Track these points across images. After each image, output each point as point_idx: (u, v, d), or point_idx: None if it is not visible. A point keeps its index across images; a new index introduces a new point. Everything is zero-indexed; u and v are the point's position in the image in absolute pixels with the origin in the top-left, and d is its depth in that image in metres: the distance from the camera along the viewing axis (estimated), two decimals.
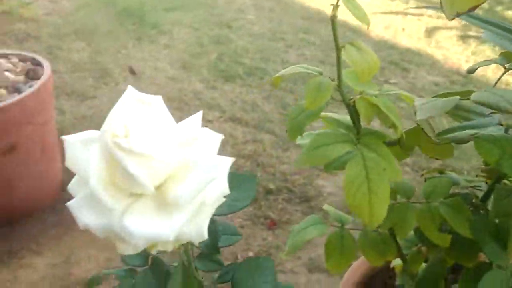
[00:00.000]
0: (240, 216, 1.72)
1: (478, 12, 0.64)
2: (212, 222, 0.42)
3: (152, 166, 0.35)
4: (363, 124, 0.60)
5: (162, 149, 0.36)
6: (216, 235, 0.42)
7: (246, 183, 0.41)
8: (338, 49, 0.54)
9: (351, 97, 0.59)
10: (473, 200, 0.66)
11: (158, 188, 0.36)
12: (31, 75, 1.74)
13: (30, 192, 1.72)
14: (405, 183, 0.67)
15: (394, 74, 2.63)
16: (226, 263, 0.60)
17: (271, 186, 1.85)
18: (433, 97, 0.55)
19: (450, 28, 3.18)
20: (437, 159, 0.70)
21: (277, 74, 0.59)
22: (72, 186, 0.38)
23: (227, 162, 0.38)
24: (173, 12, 3.52)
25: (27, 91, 1.60)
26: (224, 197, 0.38)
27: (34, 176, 1.71)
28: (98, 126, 1.75)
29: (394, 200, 0.66)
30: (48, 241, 1.67)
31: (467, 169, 1.94)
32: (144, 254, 0.45)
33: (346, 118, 0.63)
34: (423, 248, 0.74)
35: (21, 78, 1.74)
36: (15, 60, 1.86)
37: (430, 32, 3.14)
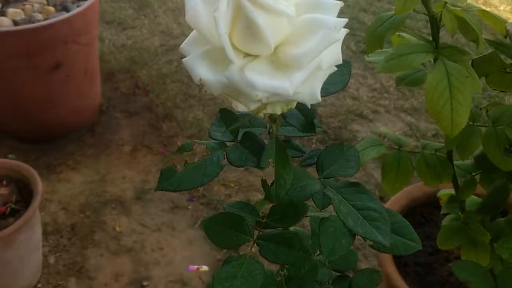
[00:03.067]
0: None
1: None
2: None
3: (277, 23, 0.35)
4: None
5: (289, 6, 0.37)
6: (313, 113, 0.43)
7: (341, 67, 0.41)
8: None
9: (434, 11, 0.59)
10: None
11: (275, 49, 0.36)
12: None
13: (71, 112, 1.75)
14: (472, 107, 0.67)
15: None
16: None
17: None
18: None
19: None
20: (501, 91, 0.70)
21: None
22: (185, 45, 0.39)
23: (344, 30, 0.38)
24: None
25: (75, 10, 1.60)
26: None
27: (76, 96, 1.74)
28: (137, 55, 1.79)
29: None
30: (86, 160, 1.72)
31: None
32: (233, 132, 0.46)
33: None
34: (477, 177, 0.75)
35: None
36: None
37: None
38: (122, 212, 1.53)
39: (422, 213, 1.01)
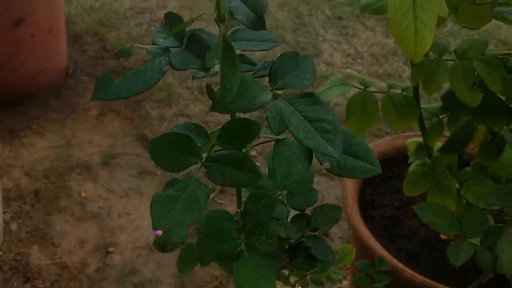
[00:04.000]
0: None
1: None
2: None
3: None
4: None
5: None
6: (264, 8, 0.39)
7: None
8: None
9: None
10: (507, 64, 0.63)
11: None
12: None
13: (36, 72, 1.69)
14: (439, 40, 0.64)
15: None
16: None
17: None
18: None
19: None
20: (471, 28, 0.67)
21: None
22: None
23: None
24: None
25: None
26: None
27: (41, 55, 1.67)
28: (104, 18, 1.72)
29: (425, 56, 0.64)
30: (51, 124, 1.66)
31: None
32: (178, 37, 0.42)
33: None
34: (444, 120, 0.73)
35: None
36: None
37: None
38: (88, 177, 1.49)
39: (390, 167, 0.99)
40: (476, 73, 0.60)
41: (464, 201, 0.71)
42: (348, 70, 0.76)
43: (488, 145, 0.69)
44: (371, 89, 0.70)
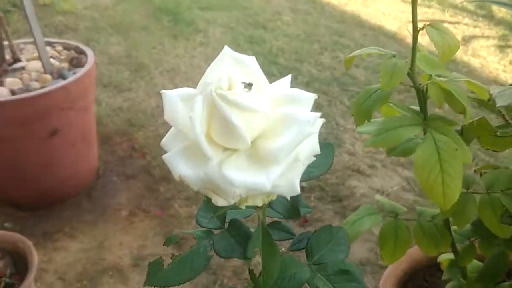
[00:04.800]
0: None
1: None
2: None
3: (252, 119, 0.36)
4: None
5: (263, 103, 0.37)
6: (298, 199, 0.43)
7: (323, 150, 0.42)
8: (415, 31, 0.54)
9: (420, 83, 0.59)
10: None
11: (252, 142, 0.37)
12: (75, 62, 1.78)
13: (68, 177, 1.75)
14: (465, 173, 0.67)
15: None
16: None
17: (304, 184, 1.85)
18: (510, 85, 0.55)
19: (488, 37, 3.15)
20: (494, 151, 0.70)
21: (351, 55, 0.60)
22: (166, 141, 0.39)
23: (320, 120, 0.39)
24: (208, 11, 3.55)
25: (71, 78, 1.63)
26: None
27: (73, 161, 1.74)
28: (133, 117, 1.81)
29: None
30: (82, 226, 1.70)
31: None
32: (220, 219, 0.46)
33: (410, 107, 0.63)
34: (476, 243, 0.74)
35: (65, 65, 1.78)
36: (59, 48, 1.90)
37: (467, 40, 3.11)
38: (120, 280, 1.50)
39: (424, 276, 0.99)
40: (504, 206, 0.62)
41: None
42: (377, 197, 0.78)
43: None
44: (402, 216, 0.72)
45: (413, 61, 0.57)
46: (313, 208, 1.75)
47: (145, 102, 2.37)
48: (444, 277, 0.81)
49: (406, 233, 0.71)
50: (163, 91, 0.39)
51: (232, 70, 0.38)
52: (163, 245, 0.49)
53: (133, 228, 1.68)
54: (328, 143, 0.46)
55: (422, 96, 0.59)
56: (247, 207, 0.48)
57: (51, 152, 1.65)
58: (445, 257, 0.82)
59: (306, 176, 0.42)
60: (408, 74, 0.58)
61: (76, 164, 1.76)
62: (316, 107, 2.29)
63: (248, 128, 0.36)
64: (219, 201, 0.37)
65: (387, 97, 0.59)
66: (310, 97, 0.39)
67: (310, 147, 0.39)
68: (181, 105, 0.38)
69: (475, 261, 0.77)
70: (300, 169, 0.38)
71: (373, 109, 0.59)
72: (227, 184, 0.35)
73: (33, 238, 1.61)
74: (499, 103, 0.51)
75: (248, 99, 0.36)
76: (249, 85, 0.38)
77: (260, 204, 0.39)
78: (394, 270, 0.96)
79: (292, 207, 0.42)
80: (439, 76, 0.58)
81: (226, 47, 0.40)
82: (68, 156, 1.71)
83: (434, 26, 0.55)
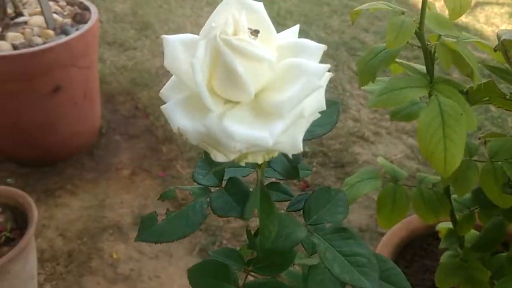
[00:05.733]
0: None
1: None
2: None
3: (258, 69, 0.34)
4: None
5: (269, 51, 0.35)
6: (298, 159, 0.41)
7: (328, 108, 0.40)
8: None
9: (428, 43, 0.57)
10: None
11: (256, 95, 0.35)
12: (78, 18, 1.75)
13: (71, 135, 1.74)
14: (469, 141, 0.65)
15: None
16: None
17: (307, 149, 1.84)
18: None
19: (502, 4, 3.07)
20: (507, 110, 0.67)
21: (358, 8, 0.57)
22: (165, 91, 0.37)
23: (328, 74, 0.37)
24: None
25: (74, 34, 1.60)
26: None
27: (76, 119, 1.73)
28: (137, 76, 1.78)
29: None
30: (84, 184, 1.70)
31: None
32: (218, 176, 0.44)
33: (418, 66, 0.61)
34: (476, 213, 0.73)
35: (68, 21, 1.75)
36: (63, 3, 1.86)
37: (480, 7, 3.03)
38: (120, 238, 1.51)
39: (421, 244, 0.99)
40: (507, 175, 0.61)
41: None
42: (379, 160, 0.77)
43: None
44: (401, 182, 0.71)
45: (422, 20, 0.54)
46: (315, 173, 1.74)
47: (150, 61, 2.34)
48: (441, 245, 0.80)
49: (405, 199, 0.69)
50: (163, 35, 0.37)
51: (238, 14, 0.35)
52: (158, 199, 0.48)
53: (134, 188, 1.69)
54: (334, 101, 0.44)
55: (429, 57, 0.56)
56: (247, 164, 0.47)
57: (53, 109, 1.64)
58: (444, 226, 0.82)
59: (310, 135, 0.41)
60: (416, 33, 0.55)
61: (78, 122, 1.75)
62: None
63: (253, 78, 0.34)
64: (218, 157, 0.35)
65: (393, 56, 0.57)
66: (319, 48, 0.37)
67: (316, 103, 0.37)
68: (183, 51, 0.35)
69: (473, 231, 0.76)
70: (304, 125, 0.36)
71: (379, 68, 0.57)
72: (227, 138, 0.33)
73: (35, 195, 1.63)
74: (506, 36, 0.49)
75: (254, 46, 0.34)
76: (255, 32, 0.36)
77: (260, 161, 0.37)
78: (392, 237, 0.96)
79: (291, 168, 0.41)
80: (447, 36, 0.56)
81: None
82: (71, 114, 1.70)
83: None
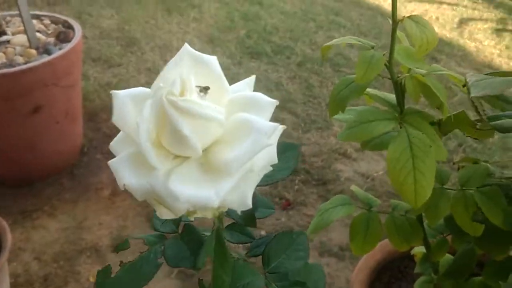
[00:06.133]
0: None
1: None
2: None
3: (206, 127, 0.33)
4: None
5: (217, 111, 0.35)
6: (255, 206, 0.40)
7: (287, 152, 0.39)
8: (394, 22, 0.51)
9: (399, 75, 0.57)
10: (509, 192, 0.64)
11: (205, 151, 0.34)
12: (62, 37, 1.74)
13: (51, 154, 1.72)
14: (441, 168, 0.65)
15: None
16: None
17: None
18: (486, 74, 0.53)
19: (486, 20, 3.11)
20: (475, 139, 0.68)
21: (327, 43, 0.57)
22: (115, 144, 0.37)
23: (279, 129, 0.36)
24: None
25: (57, 53, 1.59)
26: None
27: (57, 138, 1.71)
28: None
29: None
30: (63, 205, 1.68)
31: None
32: (175, 222, 0.44)
33: (390, 96, 0.61)
34: (449, 238, 0.73)
35: (52, 39, 1.74)
36: (47, 21, 1.85)
37: (464, 23, 3.07)
38: (97, 261, 1.49)
39: (399, 266, 0.98)
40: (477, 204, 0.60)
41: None
42: (352, 188, 0.77)
43: (495, 264, 0.68)
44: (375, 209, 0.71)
45: (391, 53, 0.54)
46: (297, 191, 1.73)
47: (135, 78, 2.34)
48: (416, 270, 0.80)
49: (378, 226, 0.69)
50: (113, 91, 0.36)
51: (189, 71, 0.35)
52: (112, 252, 0.47)
53: (114, 208, 1.67)
54: (293, 144, 0.44)
55: (399, 88, 0.56)
56: None
57: (33, 129, 1.62)
58: (419, 250, 0.81)
59: (268, 179, 0.40)
60: (386, 66, 0.55)
61: (59, 142, 1.73)
62: (307, 87, 2.27)
63: (201, 136, 0.33)
64: (164, 214, 0.35)
65: (363, 88, 0.56)
66: (271, 103, 0.37)
67: (266, 158, 0.36)
68: (132, 107, 0.35)
69: (448, 255, 0.76)
70: (254, 180, 0.36)
71: (348, 100, 0.57)
72: (172, 198, 0.32)
73: (12, 217, 1.60)
74: (473, 93, 0.49)
75: (201, 106, 0.34)
76: (205, 89, 0.36)
77: (210, 216, 0.36)
78: (368, 261, 0.95)
79: (248, 215, 0.40)
80: (418, 68, 0.56)
81: (186, 45, 0.38)
82: (52, 133, 1.68)
83: (413, 18, 0.52)
